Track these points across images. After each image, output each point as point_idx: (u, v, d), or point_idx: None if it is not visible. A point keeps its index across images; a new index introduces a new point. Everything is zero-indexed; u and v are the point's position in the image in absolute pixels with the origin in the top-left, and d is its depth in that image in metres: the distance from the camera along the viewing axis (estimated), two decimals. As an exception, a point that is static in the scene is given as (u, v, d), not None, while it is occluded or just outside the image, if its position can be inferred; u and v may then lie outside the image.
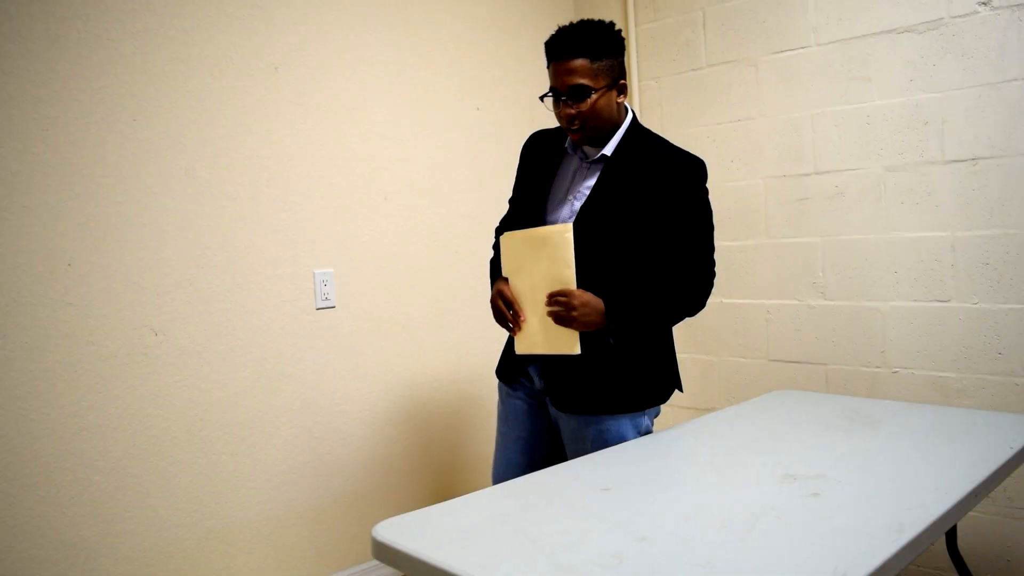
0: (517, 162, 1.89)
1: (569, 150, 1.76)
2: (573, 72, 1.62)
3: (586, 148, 1.75)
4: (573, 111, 1.64)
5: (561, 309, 1.60)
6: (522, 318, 1.67)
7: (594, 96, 1.63)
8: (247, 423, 2.13)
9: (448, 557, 1.11)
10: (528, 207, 1.78)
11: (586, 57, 1.62)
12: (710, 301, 2.86)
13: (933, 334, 2.35)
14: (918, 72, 2.34)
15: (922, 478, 1.39)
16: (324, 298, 2.30)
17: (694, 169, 1.73)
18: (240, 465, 2.11)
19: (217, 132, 2.08)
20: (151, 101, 1.95)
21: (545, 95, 1.69)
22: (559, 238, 1.59)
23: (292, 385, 2.24)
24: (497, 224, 1.94)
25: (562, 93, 1.64)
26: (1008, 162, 2.20)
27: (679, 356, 2.97)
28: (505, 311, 1.68)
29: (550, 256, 1.61)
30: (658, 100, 2.97)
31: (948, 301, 2.32)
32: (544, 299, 1.63)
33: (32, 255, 1.76)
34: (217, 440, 2.07)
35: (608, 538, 1.16)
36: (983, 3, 2.22)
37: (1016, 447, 1.56)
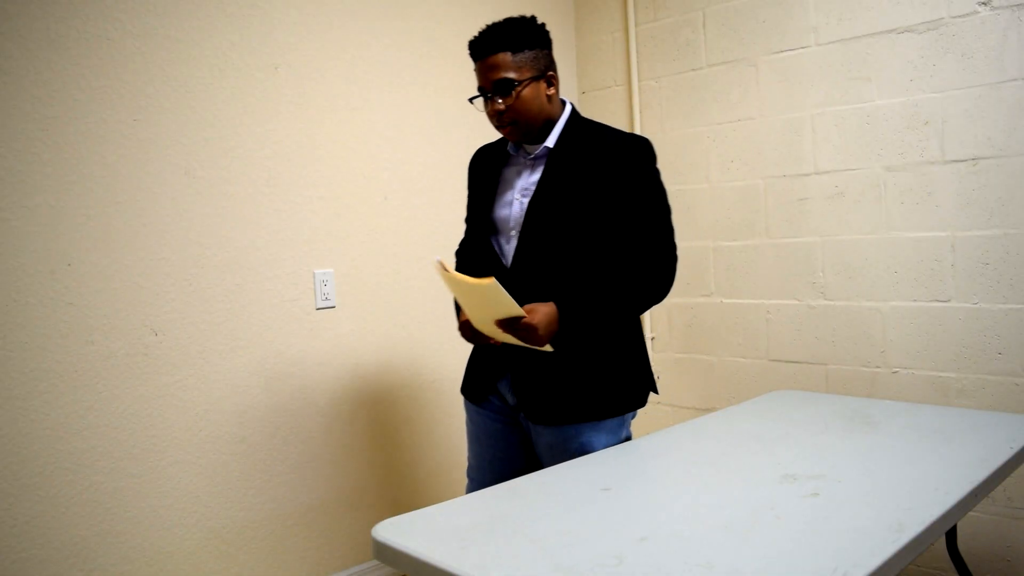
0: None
1: (511, 151, 1.74)
2: (496, 67, 1.60)
3: (527, 146, 1.72)
4: (501, 106, 1.62)
5: (520, 334, 1.53)
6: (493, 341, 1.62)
7: (518, 88, 1.60)
8: (247, 423, 2.13)
9: (448, 557, 1.11)
10: (478, 217, 1.77)
11: (507, 51, 1.60)
12: (710, 301, 2.87)
13: (933, 334, 2.35)
14: (918, 72, 2.34)
15: (922, 478, 1.39)
16: (324, 298, 2.30)
17: (640, 148, 1.68)
18: (240, 465, 2.11)
19: (217, 132, 2.08)
20: (151, 101, 1.95)
21: (474, 97, 1.67)
22: (489, 291, 1.45)
23: (292, 385, 2.24)
24: (457, 248, 1.91)
25: (488, 90, 1.63)
26: (1008, 162, 2.20)
27: (678, 356, 3.00)
28: (476, 336, 1.64)
29: (486, 300, 1.50)
30: (658, 100, 2.97)
31: (948, 301, 2.32)
32: (491, 320, 1.55)
33: (32, 255, 1.76)
34: (217, 440, 2.07)
35: (608, 538, 1.16)
36: (983, 3, 2.22)
37: (1016, 447, 1.56)
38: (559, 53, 3.17)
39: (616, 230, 1.63)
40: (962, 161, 2.28)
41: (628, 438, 1.75)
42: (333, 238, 2.33)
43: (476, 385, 1.80)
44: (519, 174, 1.72)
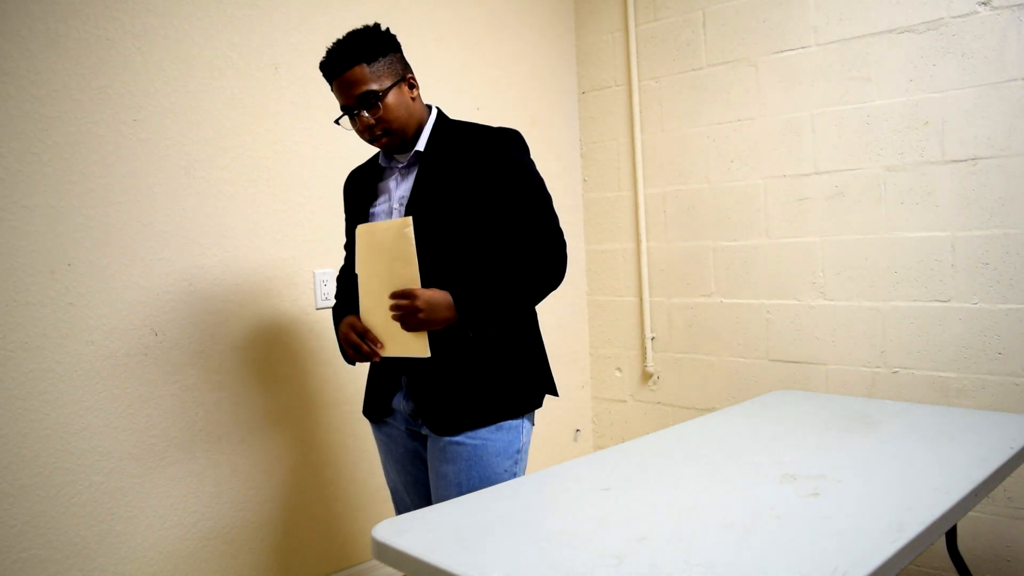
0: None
1: (383, 163, 1.70)
2: (355, 82, 1.56)
3: (398, 155, 1.68)
4: (370, 119, 1.57)
5: (404, 312, 1.50)
6: (379, 345, 1.57)
7: (383, 97, 1.57)
8: (247, 423, 2.13)
9: (448, 557, 1.11)
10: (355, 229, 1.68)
11: (362, 63, 1.56)
12: (710, 301, 2.87)
13: (933, 334, 2.35)
14: (918, 72, 2.34)
15: (922, 478, 1.39)
16: (324, 298, 2.30)
17: (508, 138, 1.65)
18: (240, 465, 2.11)
19: (217, 132, 2.08)
20: (151, 101, 1.95)
21: (339, 119, 1.63)
22: (398, 233, 1.49)
23: (292, 385, 2.24)
24: (337, 274, 1.86)
25: (353, 107, 1.58)
26: (1008, 162, 2.20)
27: (678, 356, 3.00)
28: (361, 343, 1.57)
29: (391, 253, 1.51)
30: (658, 100, 2.97)
31: (948, 301, 2.32)
32: (385, 291, 1.53)
33: (32, 255, 1.76)
34: (217, 440, 2.07)
35: (608, 538, 1.16)
36: (983, 3, 2.22)
37: (1016, 447, 1.56)
38: (559, 53, 3.18)
39: (495, 224, 1.60)
40: (962, 161, 2.28)
41: (527, 443, 1.68)
42: (333, 238, 2.33)
43: (374, 403, 1.72)
44: (395, 184, 1.67)
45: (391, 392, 1.68)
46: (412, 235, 1.48)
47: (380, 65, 1.58)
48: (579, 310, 3.25)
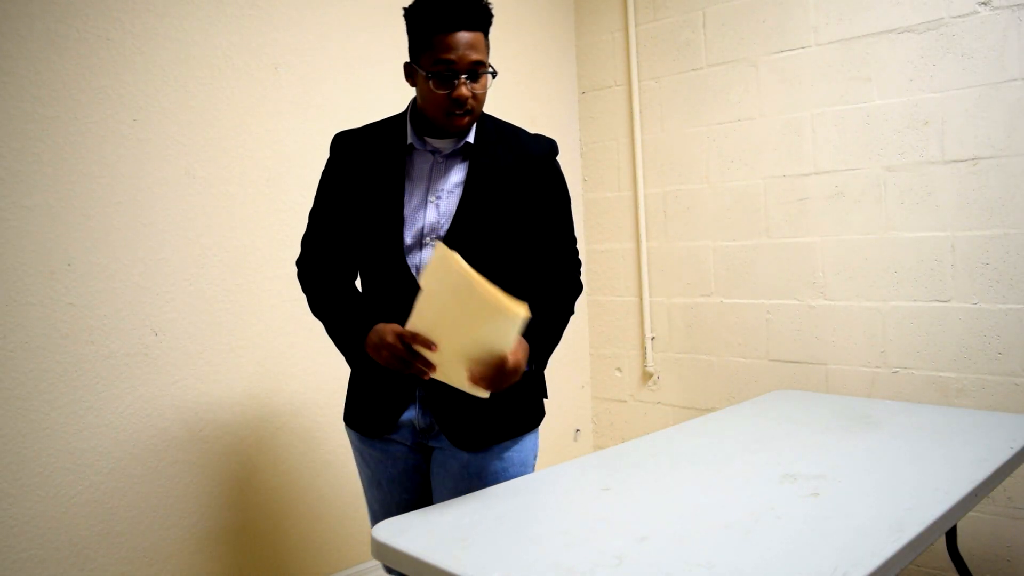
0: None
1: (417, 144, 1.49)
2: (475, 47, 1.37)
3: (433, 140, 1.49)
4: (470, 93, 1.38)
5: (493, 379, 1.32)
6: (431, 368, 1.34)
7: (489, 78, 1.42)
8: (247, 423, 2.13)
9: (448, 557, 1.11)
10: (380, 216, 1.48)
11: (484, 31, 1.40)
12: (710, 301, 2.87)
13: (933, 334, 2.35)
14: (918, 72, 2.34)
15: (922, 478, 1.39)
16: (324, 298, 2.30)
17: (554, 149, 1.56)
18: (240, 465, 2.11)
19: (217, 132, 2.08)
20: (151, 101, 1.95)
21: (431, 73, 1.38)
22: (509, 321, 1.24)
23: (292, 385, 2.24)
24: (303, 250, 1.57)
25: (461, 72, 1.37)
26: (1008, 162, 2.20)
27: (678, 356, 3.00)
28: (414, 361, 1.33)
29: (488, 325, 1.27)
30: (658, 100, 2.97)
31: (948, 301, 2.32)
32: (466, 348, 1.31)
33: (32, 255, 1.75)
34: (217, 440, 2.07)
35: (608, 538, 1.16)
36: (983, 3, 2.22)
37: (1016, 447, 1.56)
38: (559, 53, 3.18)
39: (534, 235, 1.51)
40: (962, 161, 2.28)
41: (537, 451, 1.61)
42: (333, 238, 2.33)
43: (378, 417, 1.52)
44: (434, 173, 1.48)
45: (402, 406, 1.50)
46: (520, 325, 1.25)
47: (488, 42, 1.43)
48: (579, 310, 3.25)
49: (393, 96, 2.51)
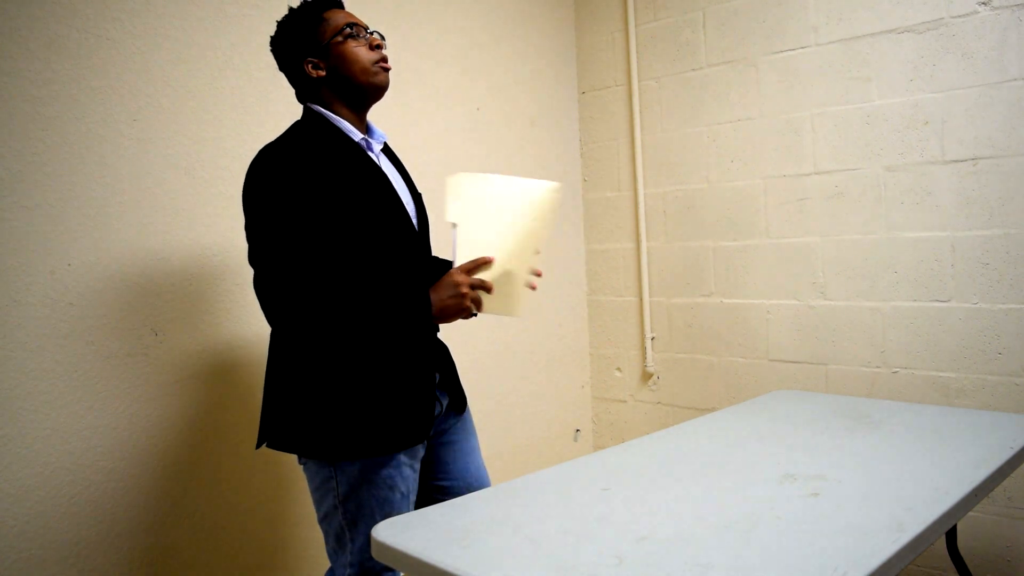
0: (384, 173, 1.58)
1: (361, 141, 1.55)
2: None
3: (370, 138, 1.59)
4: (385, 48, 1.54)
5: (477, 263, 1.44)
6: (490, 290, 1.45)
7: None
8: (247, 423, 2.13)
9: (448, 557, 1.11)
10: (386, 209, 1.51)
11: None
12: (710, 301, 2.86)
13: (933, 334, 2.35)
14: (918, 72, 2.34)
15: (922, 478, 1.39)
16: (324, 298, 2.30)
17: None
18: (240, 465, 2.11)
19: (217, 132, 2.08)
20: (151, 101, 1.95)
21: (345, 37, 1.51)
22: (551, 195, 1.45)
23: (292, 385, 2.24)
24: (295, 277, 1.37)
25: (368, 28, 1.54)
26: (1008, 162, 2.20)
27: (678, 356, 3.00)
28: (479, 285, 1.44)
29: (535, 214, 1.43)
30: (658, 100, 2.97)
31: (948, 301, 2.32)
32: (519, 255, 1.43)
33: (32, 255, 1.75)
34: (217, 440, 2.07)
35: (608, 538, 1.16)
36: (983, 3, 2.22)
37: (1016, 447, 1.56)
38: (559, 53, 3.18)
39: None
40: (962, 161, 2.28)
41: None
42: (333, 238, 2.33)
43: (425, 419, 1.52)
44: (386, 167, 1.60)
45: (434, 398, 1.55)
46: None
47: None
48: (579, 310, 3.25)
49: (392, 96, 2.51)
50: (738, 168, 2.76)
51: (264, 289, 1.38)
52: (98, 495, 1.85)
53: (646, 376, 3.07)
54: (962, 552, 2.05)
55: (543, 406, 3.06)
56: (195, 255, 2.03)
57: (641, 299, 3.06)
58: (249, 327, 2.14)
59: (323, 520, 1.53)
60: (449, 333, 2.66)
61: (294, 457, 2.25)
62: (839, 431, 1.74)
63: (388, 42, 2.49)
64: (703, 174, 2.85)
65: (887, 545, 1.09)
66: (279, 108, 2.21)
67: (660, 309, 3.01)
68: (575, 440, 3.21)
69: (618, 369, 3.17)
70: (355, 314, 1.38)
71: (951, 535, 1.96)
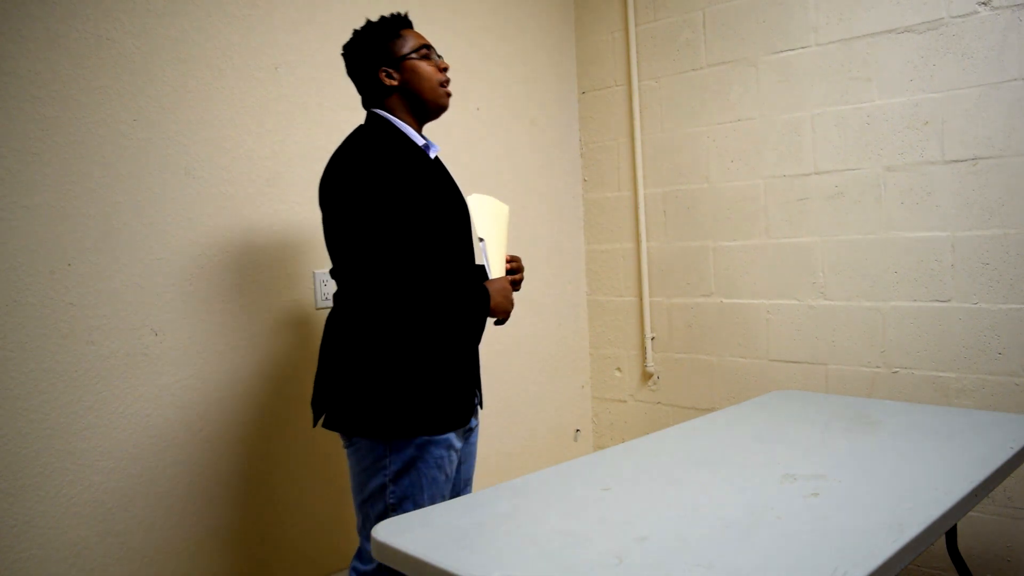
0: (405, 183, 1.59)
1: (427, 148, 1.72)
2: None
3: (431, 145, 1.75)
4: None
5: (519, 278, 1.74)
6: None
7: None
8: (247, 423, 2.13)
9: (448, 557, 1.11)
10: (453, 213, 1.68)
11: None
12: (710, 301, 2.86)
13: (933, 334, 2.35)
14: (918, 72, 2.34)
15: (922, 478, 1.39)
16: (324, 298, 2.30)
17: None
18: (240, 465, 2.11)
19: (217, 132, 2.08)
20: (151, 101, 1.95)
21: (419, 54, 1.69)
22: (501, 209, 1.76)
23: (292, 385, 2.23)
24: (401, 275, 1.53)
25: (435, 50, 1.71)
26: (1008, 162, 2.20)
27: (678, 356, 3.00)
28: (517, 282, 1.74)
29: (502, 225, 1.74)
30: (658, 100, 2.97)
31: (948, 301, 2.32)
32: (504, 262, 1.71)
33: (32, 255, 1.75)
34: (217, 440, 2.07)
35: (608, 538, 1.16)
36: (983, 3, 2.22)
37: (1016, 447, 1.56)
38: (559, 53, 3.18)
39: None
40: (962, 161, 2.28)
41: None
42: (333, 238, 2.33)
43: (470, 399, 1.69)
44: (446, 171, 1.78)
45: (478, 385, 1.77)
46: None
47: None
48: (579, 310, 3.25)
49: (393, 96, 2.51)
50: (738, 168, 2.76)
51: (353, 280, 1.55)
52: (98, 495, 1.85)
53: (646, 376, 3.07)
54: (962, 552, 2.05)
55: (543, 406, 3.06)
56: (195, 255, 2.03)
57: (641, 299, 3.06)
58: (248, 327, 2.14)
59: (366, 502, 1.61)
60: (449, 333, 2.66)
61: (296, 455, 2.25)
62: (839, 431, 1.74)
63: (388, 42, 2.49)
64: (703, 174, 2.85)
65: (887, 545, 1.09)
66: (279, 108, 2.22)
67: (660, 309, 3.01)
68: (575, 440, 3.21)
69: (618, 369, 3.17)
70: (434, 304, 1.54)
71: (951, 535, 1.96)
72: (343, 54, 1.73)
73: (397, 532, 1.22)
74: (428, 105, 1.69)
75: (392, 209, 1.52)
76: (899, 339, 2.42)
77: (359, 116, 2.42)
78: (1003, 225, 2.22)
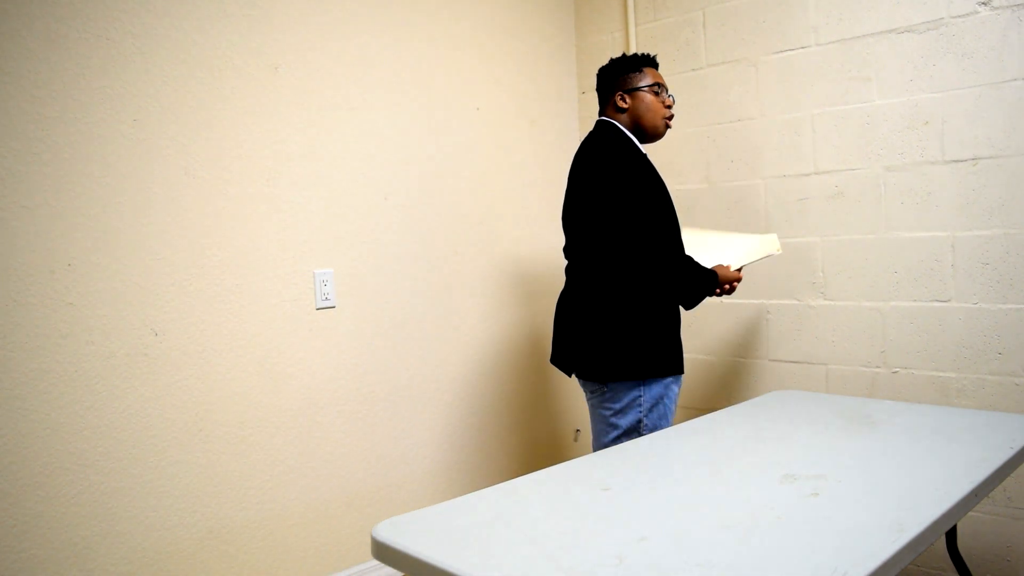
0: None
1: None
2: None
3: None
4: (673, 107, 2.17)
5: (735, 283, 2.23)
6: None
7: None
8: (247, 423, 2.13)
9: (448, 557, 1.11)
10: (672, 211, 2.06)
11: None
12: (711, 301, 2.86)
13: (933, 334, 2.35)
14: (918, 72, 2.34)
15: (922, 478, 1.39)
16: (324, 298, 2.30)
17: None
18: (240, 465, 2.12)
19: (217, 132, 2.08)
20: (151, 101, 1.95)
21: (654, 91, 2.12)
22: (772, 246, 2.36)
23: (292, 385, 2.24)
24: (672, 253, 2.02)
25: (668, 89, 2.16)
26: (1008, 162, 2.20)
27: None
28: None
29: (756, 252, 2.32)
30: (658, 100, 2.96)
31: (948, 301, 2.32)
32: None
33: (32, 255, 1.76)
34: (217, 440, 2.07)
35: (608, 538, 1.16)
36: (983, 3, 2.22)
37: (1016, 447, 1.56)
38: (559, 53, 3.18)
39: None
40: (962, 161, 2.28)
41: None
42: (333, 238, 2.34)
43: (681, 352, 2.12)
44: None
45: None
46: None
47: None
48: (579, 310, 3.25)
49: (393, 96, 2.51)
50: (738, 168, 2.75)
51: (606, 256, 1.99)
52: (98, 495, 1.85)
53: (646, 376, 3.06)
54: (962, 552, 2.05)
55: (543, 406, 3.06)
56: (195, 255, 2.03)
57: (641, 299, 3.05)
58: (249, 327, 2.14)
59: (618, 438, 2.01)
60: (449, 333, 2.67)
61: (296, 454, 2.25)
62: (839, 431, 1.74)
63: (388, 41, 2.50)
64: (703, 174, 2.85)
65: (887, 545, 1.09)
66: (279, 108, 2.22)
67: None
68: (575, 440, 3.21)
69: (618, 369, 3.17)
70: (683, 279, 2.02)
71: (951, 535, 1.96)
72: (598, 73, 2.18)
73: (397, 532, 1.22)
74: (647, 130, 2.12)
75: (649, 201, 1.96)
76: (899, 339, 2.42)
77: (359, 116, 2.43)
78: (1003, 225, 2.22)
